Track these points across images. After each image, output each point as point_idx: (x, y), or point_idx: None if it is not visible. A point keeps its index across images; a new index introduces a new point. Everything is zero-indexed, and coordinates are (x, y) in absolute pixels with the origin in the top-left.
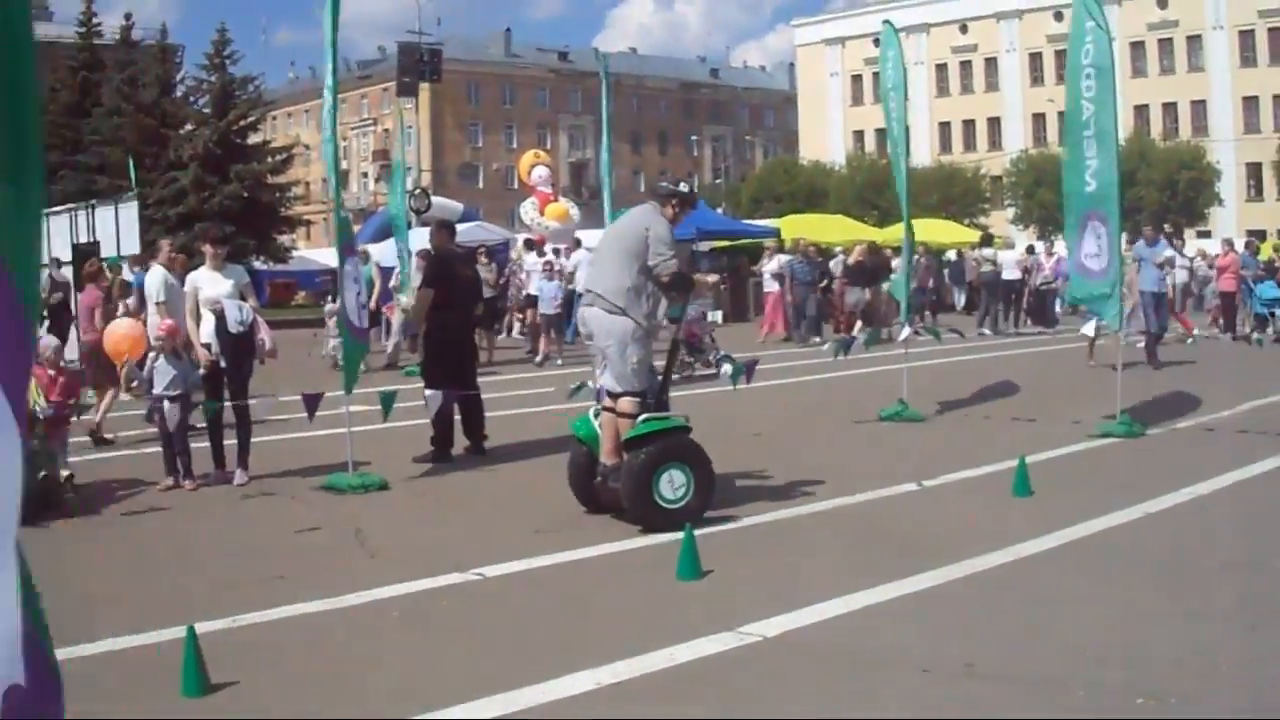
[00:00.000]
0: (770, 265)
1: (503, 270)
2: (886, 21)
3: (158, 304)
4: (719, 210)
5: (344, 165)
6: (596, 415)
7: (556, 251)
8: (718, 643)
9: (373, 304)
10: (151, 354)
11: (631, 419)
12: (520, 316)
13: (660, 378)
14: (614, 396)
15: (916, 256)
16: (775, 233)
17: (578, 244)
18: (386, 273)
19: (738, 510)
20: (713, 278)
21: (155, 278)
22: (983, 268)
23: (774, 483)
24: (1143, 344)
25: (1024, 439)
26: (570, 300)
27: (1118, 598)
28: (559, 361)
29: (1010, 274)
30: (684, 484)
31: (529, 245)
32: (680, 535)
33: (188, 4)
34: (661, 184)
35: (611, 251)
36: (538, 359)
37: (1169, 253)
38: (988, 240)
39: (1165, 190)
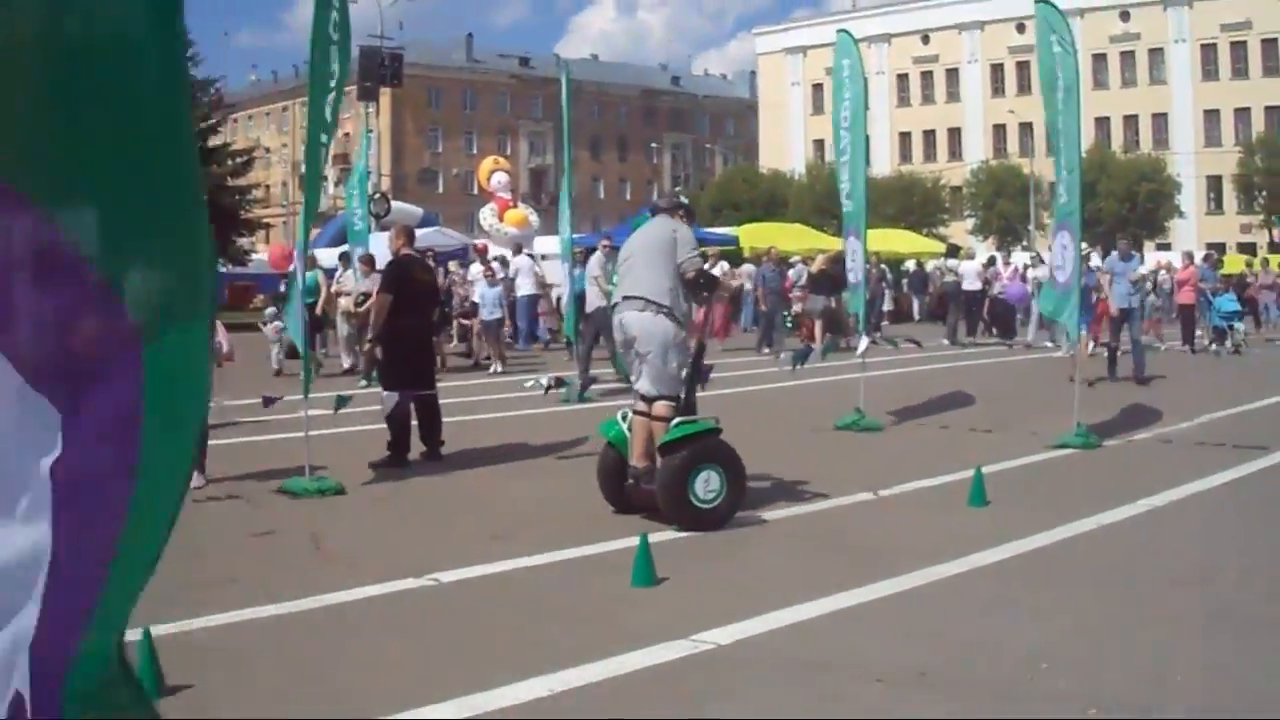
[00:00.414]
0: (715, 271)
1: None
2: (842, 30)
3: None
4: None
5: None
6: (624, 418)
7: (502, 260)
8: (672, 650)
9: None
10: None
11: (666, 422)
12: (464, 323)
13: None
14: (648, 400)
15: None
16: (734, 241)
17: (518, 249)
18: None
19: None
20: (735, 281)
21: None
22: (945, 278)
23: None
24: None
25: (980, 449)
26: (513, 307)
27: (1071, 608)
28: (498, 369)
29: (970, 285)
30: (718, 485)
31: (474, 250)
32: (636, 540)
33: None
34: (663, 201)
35: (645, 258)
36: (493, 367)
37: (1142, 268)
38: (954, 251)
39: (1125, 202)
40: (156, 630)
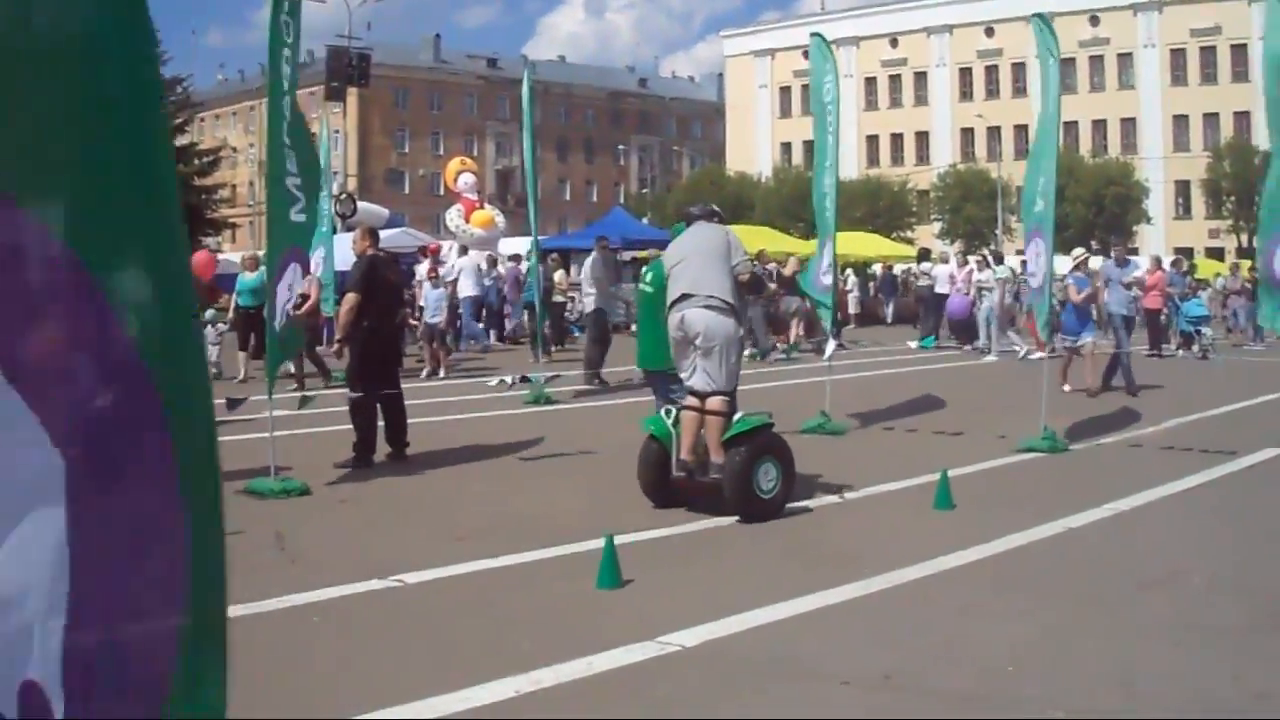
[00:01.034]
0: None
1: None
2: (815, 34)
3: None
4: (644, 220)
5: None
6: (669, 414)
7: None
8: (637, 652)
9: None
10: None
11: (725, 417)
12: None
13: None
14: (703, 396)
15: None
16: None
17: (463, 251)
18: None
19: (657, 520)
20: (771, 285)
21: None
22: (919, 282)
23: None
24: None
25: (947, 453)
26: (454, 309)
27: (1037, 612)
28: (441, 374)
29: (943, 288)
30: (775, 476)
31: (423, 252)
32: (601, 542)
33: None
34: (697, 209)
35: (705, 259)
36: (425, 370)
37: (1138, 273)
38: (925, 255)
39: (1092, 207)
40: None
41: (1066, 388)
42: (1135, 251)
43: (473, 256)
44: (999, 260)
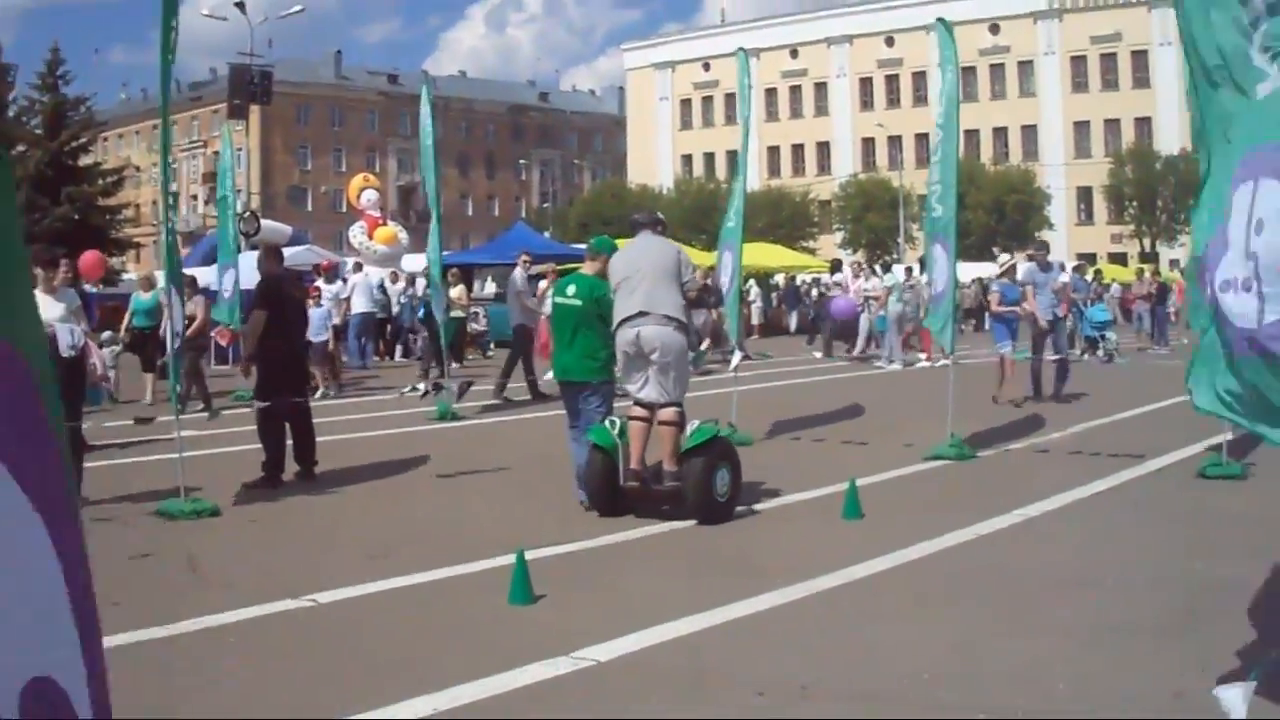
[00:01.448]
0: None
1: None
2: (741, 49)
3: None
4: (546, 234)
5: (174, 187)
6: (614, 425)
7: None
8: (552, 667)
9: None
10: None
11: (678, 426)
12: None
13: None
14: (655, 407)
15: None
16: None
17: (358, 267)
18: (214, 296)
19: (567, 534)
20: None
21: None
22: (830, 292)
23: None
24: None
25: (855, 462)
26: (346, 326)
27: (951, 618)
28: (331, 393)
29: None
30: (728, 481)
31: (317, 270)
32: (513, 558)
33: (21, 23)
34: (643, 216)
35: (658, 277)
36: (319, 391)
37: (1064, 279)
38: (838, 266)
39: (994, 214)
40: None
41: (1001, 399)
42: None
43: (366, 274)
44: (886, 269)
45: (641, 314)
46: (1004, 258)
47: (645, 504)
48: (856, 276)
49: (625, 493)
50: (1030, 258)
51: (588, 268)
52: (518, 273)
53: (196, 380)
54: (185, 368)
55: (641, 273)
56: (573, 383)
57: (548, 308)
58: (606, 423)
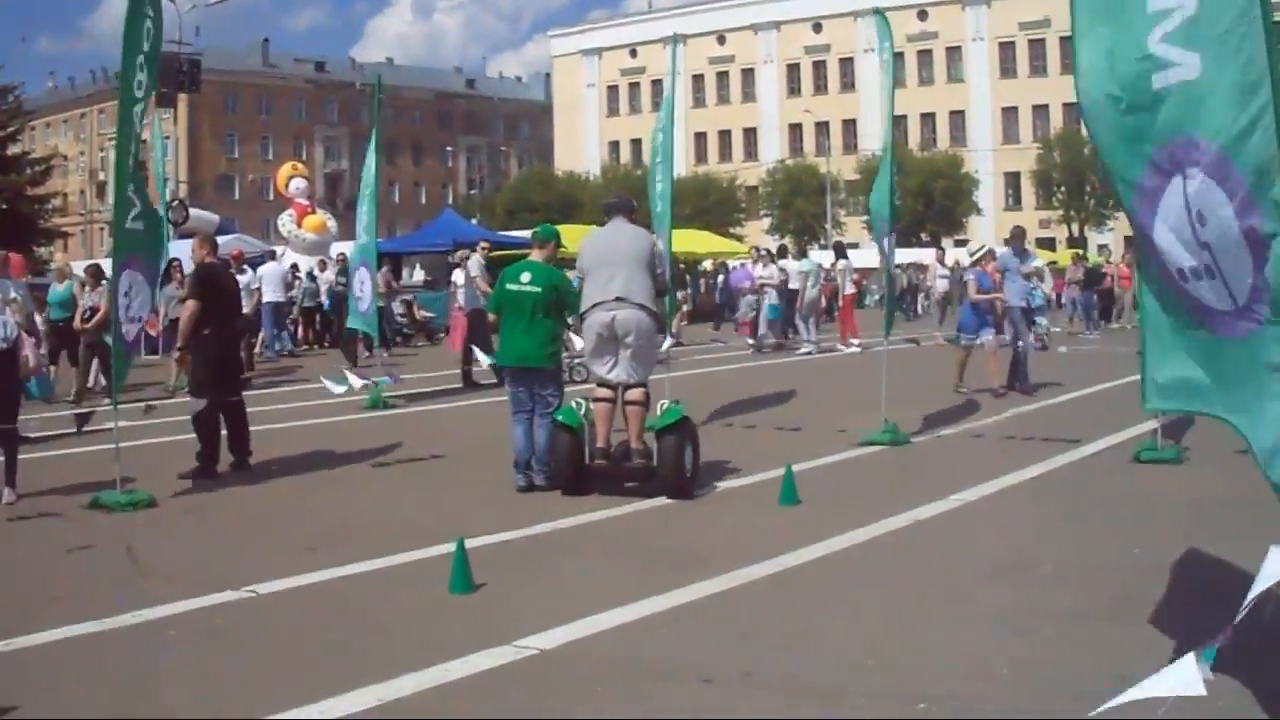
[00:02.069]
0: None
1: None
2: (676, 36)
3: None
4: (474, 221)
5: (101, 176)
6: (580, 406)
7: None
8: (495, 656)
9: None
10: None
11: (645, 406)
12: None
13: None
14: (626, 387)
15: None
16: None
17: (271, 255)
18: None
19: (504, 523)
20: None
21: None
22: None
23: (537, 496)
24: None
25: (789, 448)
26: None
27: (890, 605)
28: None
29: (796, 284)
30: (692, 458)
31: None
32: (451, 547)
33: None
34: (617, 200)
35: (634, 266)
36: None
37: (1037, 263)
38: (783, 252)
39: (921, 199)
40: None
41: (964, 389)
42: (966, 243)
43: (275, 265)
44: (803, 254)
45: (619, 300)
46: (975, 246)
47: (611, 482)
48: (755, 263)
49: (592, 471)
50: (1006, 243)
51: (537, 255)
52: (475, 259)
53: (102, 371)
54: (82, 360)
55: (618, 260)
56: (528, 369)
57: (463, 298)
58: (573, 403)
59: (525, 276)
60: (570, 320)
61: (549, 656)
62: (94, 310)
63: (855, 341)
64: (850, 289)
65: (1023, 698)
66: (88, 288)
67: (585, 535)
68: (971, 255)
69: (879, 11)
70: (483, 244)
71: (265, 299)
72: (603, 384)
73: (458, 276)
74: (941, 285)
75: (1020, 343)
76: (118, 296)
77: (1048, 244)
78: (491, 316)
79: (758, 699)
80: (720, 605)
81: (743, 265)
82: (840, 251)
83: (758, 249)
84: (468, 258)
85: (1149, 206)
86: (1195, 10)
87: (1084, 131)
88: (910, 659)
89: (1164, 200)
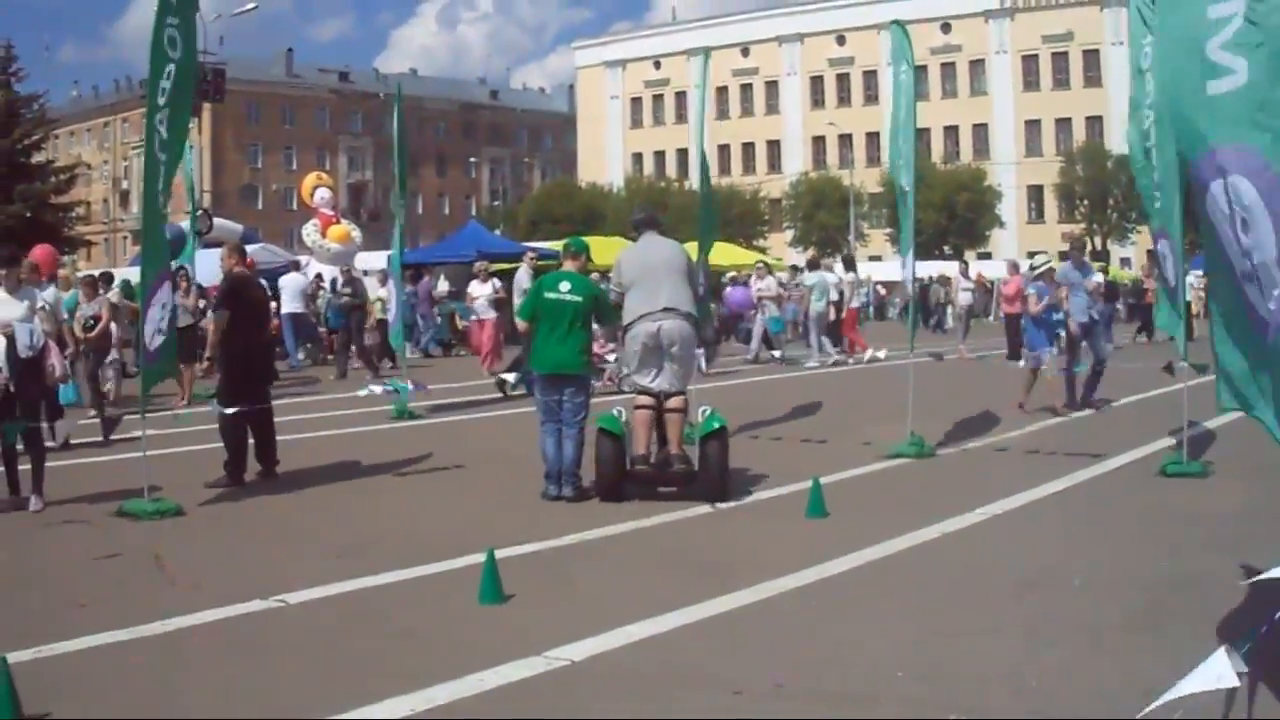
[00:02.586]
0: (485, 289)
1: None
2: (706, 51)
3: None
4: (497, 232)
5: (125, 185)
6: (620, 414)
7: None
8: (526, 667)
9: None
10: None
11: (685, 413)
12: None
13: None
14: (668, 395)
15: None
16: (556, 255)
17: (295, 265)
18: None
19: (532, 533)
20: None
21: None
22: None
23: (565, 506)
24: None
25: (815, 460)
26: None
27: (919, 617)
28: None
29: (833, 295)
30: (726, 465)
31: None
32: (480, 556)
33: None
34: (645, 214)
35: (679, 278)
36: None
37: (1097, 278)
38: (814, 264)
39: (944, 212)
40: (12, 658)
41: (1026, 407)
42: (989, 256)
43: (296, 276)
44: (813, 266)
45: (666, 310)
46: (1040, 258)
47: (651, 486)
48: (759, 278)
49: (633, 476)
50: (1064, 256)
51: (570, 266)
52: (524, 269)
53: (92, 387)
54: (85, 373)
55: (661, 271)
56: (563, 376)
57: (483, 309)
58: (615, 411)
59: (565, 286)
60: (602, 330)
61: (580, 667)
62: (96, 319)
63: (872, 351)
64: (855, 302)
65: (1053, 709)
66: (82, 298)
67: (614, 546)
68: (1034, 269)
69: (898, 23)
70: (530, 254)
71: (284, 310)
72: (644, 392)
73: (475, 288)
74: (965, 299)
75: (1096, 358)
76: (152, 307)
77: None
78: (522, 325)
79: (789, 710)
80: (750, 616)
81: (736, 280)
82: (849, 264)
83: (764, 264)
84: (487, 269)
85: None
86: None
87: (1106, 145)
88: (940, 670)
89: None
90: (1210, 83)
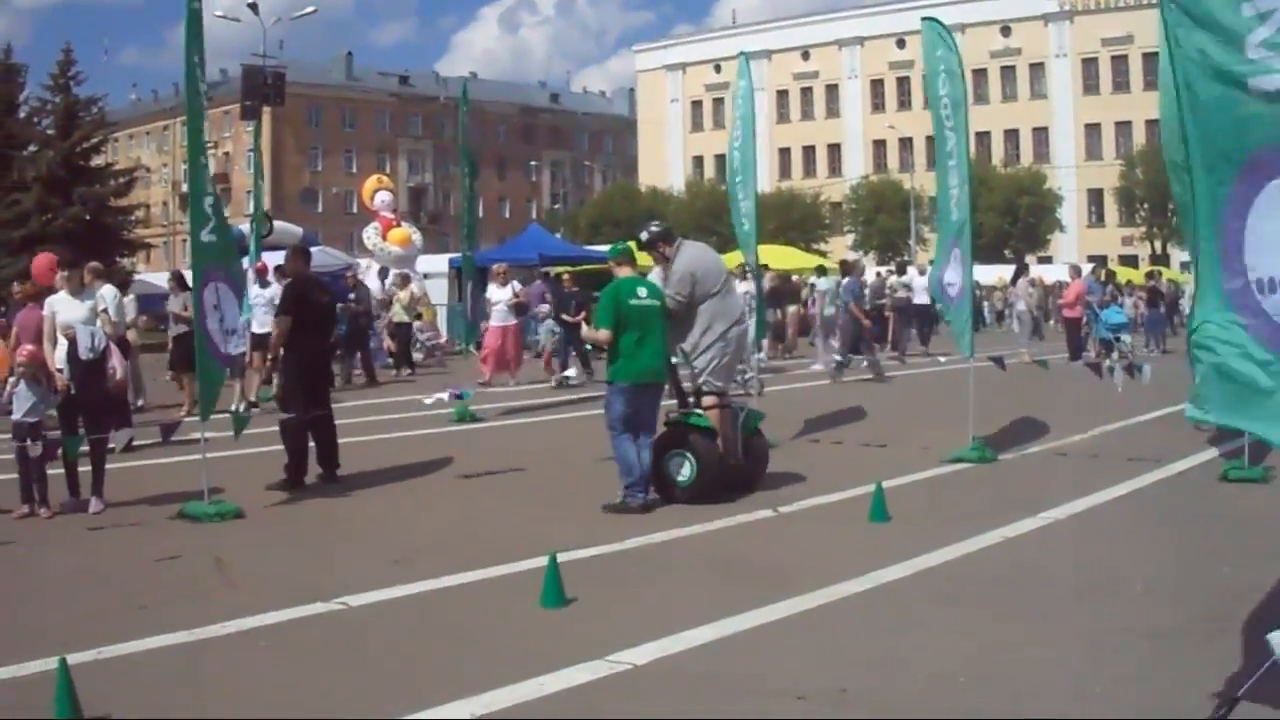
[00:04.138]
0: (504, 294)
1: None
2: (743, 53)
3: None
4: (558, 235)
5: (184, 188)
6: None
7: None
8: (588, 671)
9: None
10: (11, 379)
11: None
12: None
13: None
14: (720, 394)
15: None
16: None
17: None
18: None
19: (594, 537)
20: None
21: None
22: (896, 293)
23: (628, 509)
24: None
25: (876, 465)
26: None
27: (983, 622)
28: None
29: (921, 299)
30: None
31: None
32: (539, 560)
33: (35, 24)
34: (665, 227)
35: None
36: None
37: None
38: (902, 269)
39: (1006, 216)
40: (72, 659)
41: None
42: (1049, 260)
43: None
44: (822, 273)
45: (741, 315)
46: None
47: (734, 482)
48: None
49: (731, 473)
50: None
51: (630, 271)
52: (493, 286)
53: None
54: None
55: (731, 280)
56: (653, 385)
57: (503, 315)
58: (697, 413)
59: (642, 291)
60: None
61: (642, 672)
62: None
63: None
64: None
65: (1117, 717)
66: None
67: (676, 550)
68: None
69: (932, 21)
70: (497, 266)
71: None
72: (716, 393)
73: (493, 292)
74: (1026, 303)
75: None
76: (206, 310)
77: (1130, 261)
78: (605, 334)
79: (852, 716)
80: (813, 621)
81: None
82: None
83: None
84: (505, 271)
85: (1239, 213)
86: None
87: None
88: (1002, 677)
89: (1260, 201)
90: (1251, 81)
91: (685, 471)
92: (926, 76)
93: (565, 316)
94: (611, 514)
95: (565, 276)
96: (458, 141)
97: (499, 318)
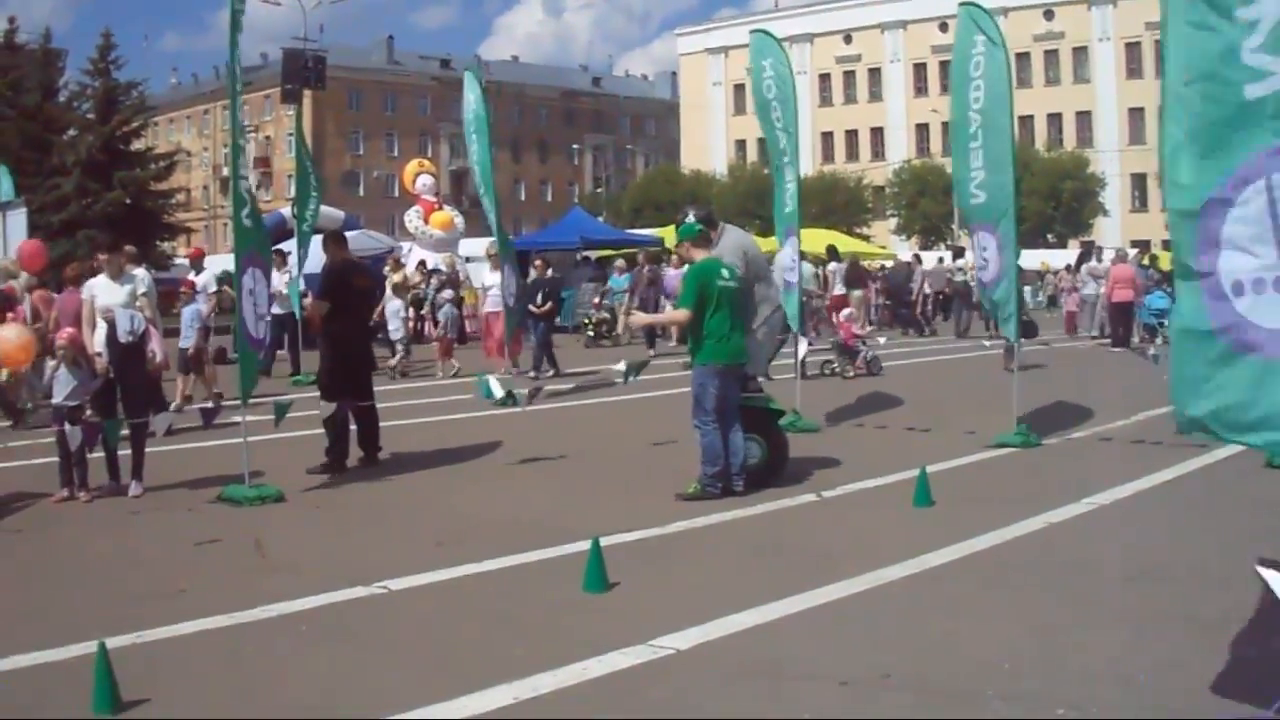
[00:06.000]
0: (498, 278)
1: None
2: (760, 31)
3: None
4: (600, 219)
5: (225, 172)
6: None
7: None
8: (631, 655)
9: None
10: (52, 362)
11: None
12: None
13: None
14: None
15: (639, 267)
16: (659, 242)
17: (390, 252)
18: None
19: (637, 521)
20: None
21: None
22: (955, 277)
23: (671, 493)
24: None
25: (920, 449)
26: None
27: (1025, 607)
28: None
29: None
30: None
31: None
32: (581, 544)
33: (75, 8)
34: (709, 210)
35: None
36: (175, 403)
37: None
38: (960, 252)
39: (1049, 200)
40: (111, 643)
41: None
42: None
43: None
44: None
45: (778, 301)
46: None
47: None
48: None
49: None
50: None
51: (704, 252)
52: (488, 269)
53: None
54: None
55: (766, 263)
56: (739, 367)
57: (495, 300)
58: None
59: (726, 273)
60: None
61: (685, 656)
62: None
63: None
64: (839, 289)
65: (1161, 703)
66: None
67: (719, 534)
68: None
69: (970, 5)
70: (489, 247)
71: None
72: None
73: (487, 276)
74: (1092, 287)
75: None
76: (243, 294)
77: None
78: (685, 314)
79: (896, 701)
80: (856, 606)
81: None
82: (958, 254)
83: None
84: (493, 257)
85: (1218, 219)
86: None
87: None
88: (1047, 663)
89: (1237, 209)
90: (1248, 86)
91: (755, 455)
92: (955, 61)
93: (533, 308)
94: (652, 497)
95: (538, 262)
96: (479, 122)
97: (494, 303)
